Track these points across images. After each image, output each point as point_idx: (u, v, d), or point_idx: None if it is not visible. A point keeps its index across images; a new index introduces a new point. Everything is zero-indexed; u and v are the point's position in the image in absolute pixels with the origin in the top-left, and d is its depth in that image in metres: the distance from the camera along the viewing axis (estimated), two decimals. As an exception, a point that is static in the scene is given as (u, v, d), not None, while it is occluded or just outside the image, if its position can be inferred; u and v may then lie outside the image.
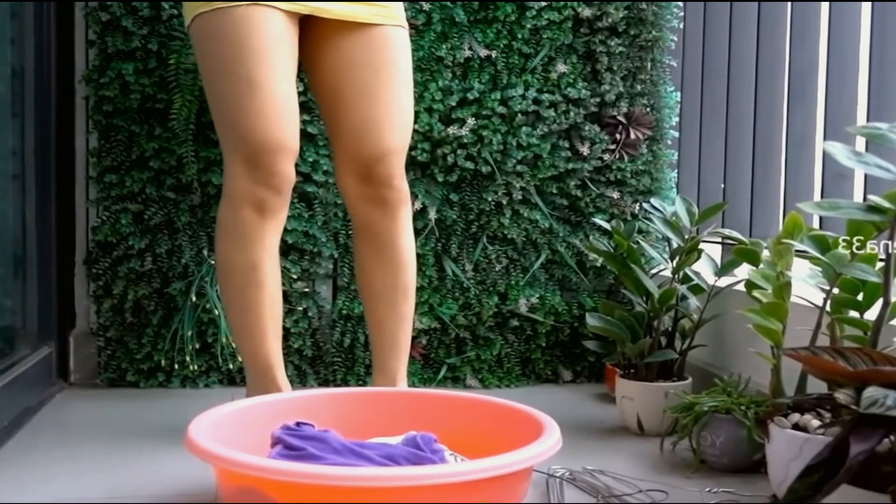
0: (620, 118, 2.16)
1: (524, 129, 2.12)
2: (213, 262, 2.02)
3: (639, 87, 2.17)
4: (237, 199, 1.53)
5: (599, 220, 2.06)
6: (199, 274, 2.03)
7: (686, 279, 1.84)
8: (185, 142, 2.00)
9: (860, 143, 1.55)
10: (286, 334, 2.06)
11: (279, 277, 1.59)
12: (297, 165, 1.99)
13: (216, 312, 2.02)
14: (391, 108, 1.60)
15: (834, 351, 1.12)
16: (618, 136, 2.17)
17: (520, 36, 2.12)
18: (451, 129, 2.08)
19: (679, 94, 2.24)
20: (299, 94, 1.71)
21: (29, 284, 1.93)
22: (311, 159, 2.05)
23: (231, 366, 2.07)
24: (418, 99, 2.06)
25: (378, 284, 1.66)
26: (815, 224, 1.68)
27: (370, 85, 1.59)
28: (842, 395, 1.04)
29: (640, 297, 1.86)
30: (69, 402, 1.94)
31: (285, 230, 2.01)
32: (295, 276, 2.07)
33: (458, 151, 2.10)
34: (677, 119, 2.24)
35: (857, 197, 1.64)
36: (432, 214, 2.11)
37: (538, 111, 2.14)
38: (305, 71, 1.70)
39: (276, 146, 1.50)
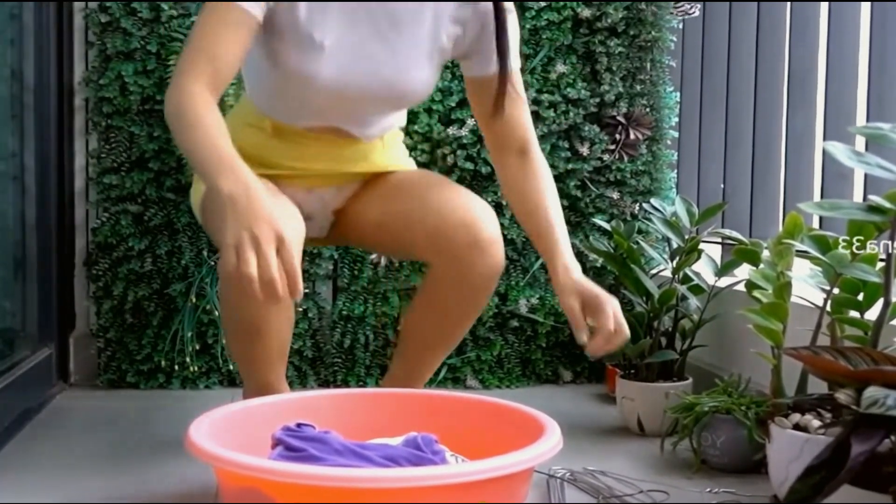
0: (620, 118, 2.16)
1: (524, 129, 2.11)
2: (213, 263, 2.02)
3: (638, 88, 2.17)
4: None
5: (599, 221, 2.06)
6: (200, 275, 2.03)
7: (686, 279, 1.84)
8: (184, 143, 2.00)
9: (860, 142, 1.55)
10: (286, 335, 2.06)
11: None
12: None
13: (216, 314, 2.02)
14: (455, 196, 1.53)
15: (835, 351, 1.12)
16: (617, 136, 2.17)
17: (519, 36, 2.12)
18: (451, 130, 2.08)
19: (678, 94, 2.24)
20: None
21: (29, 286, 1.92)
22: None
23: (231, 367, 2.07)
24: (418, 99, 2.06)
25: (452, 309, 1.57)
26: (816, 224, 1.68)
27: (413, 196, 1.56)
28: (842, 396, 1.04)
29: (641, 297, 1.86)
30: (69, 403, 1.94)
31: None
32: (295, 277, 2.07)
33: (458, 152, 2.10)
34: (677, 119, 2.24)
35: (858, 197, 1.64)
36: (432, 215, 2.10)
37: (538, 111, 2.13)
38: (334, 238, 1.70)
39: None
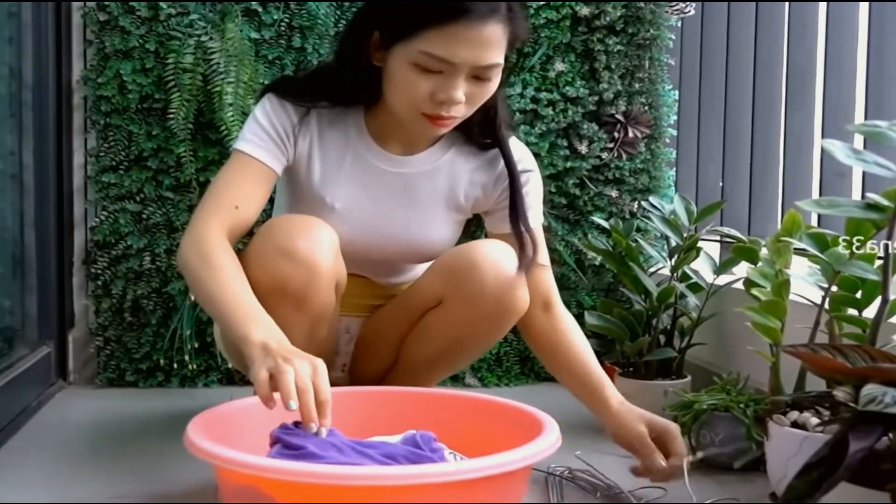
0: (619, 117, 2.16)
1: (522, 127, 2.12)
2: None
3: (637, 86, 2.17)
4: None
5: (598, 219, 2.06)
6: (198, 273, 2.02)
7: (685, 277, 1.84)
8: (183, 141, 2.00)
9: (858, 140, 1.55)
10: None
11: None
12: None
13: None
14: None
15: (833, 348, 1.12)
16: (616, 134, 2.17)
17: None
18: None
19: (677, 92, 2.25)
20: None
21: (28, 284, 1.92)
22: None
23: (230, 365, 2.07)
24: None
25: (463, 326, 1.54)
26: (814, 222, 1.68)
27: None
28: (840, 393, 1.04)
29: (639, 295, 1.86)
30: (68, 401, 1.94)
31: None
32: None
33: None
34: (675, 117, 2.24)
35: (856, 195, 1.64)
36: (431, 213, 2.10)
37: (536, 110, 2.13)
38: None
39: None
